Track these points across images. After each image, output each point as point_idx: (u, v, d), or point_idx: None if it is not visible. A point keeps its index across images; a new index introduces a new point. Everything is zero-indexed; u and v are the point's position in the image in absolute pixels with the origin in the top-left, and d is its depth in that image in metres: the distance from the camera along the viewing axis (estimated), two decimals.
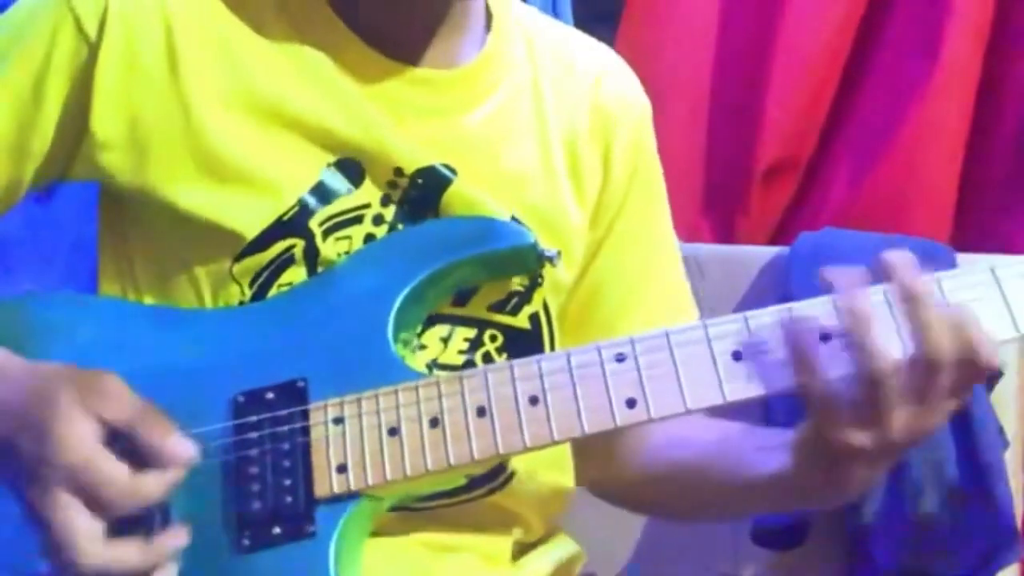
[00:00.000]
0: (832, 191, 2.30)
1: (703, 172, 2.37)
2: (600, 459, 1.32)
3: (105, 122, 1.16)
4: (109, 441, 0.99)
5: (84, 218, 1.30)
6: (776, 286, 1.96)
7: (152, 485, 0.99)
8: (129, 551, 0.98)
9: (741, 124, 2.34)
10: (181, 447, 1.01)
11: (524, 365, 1.04)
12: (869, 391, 0.98)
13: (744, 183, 2.34)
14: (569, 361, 1.04)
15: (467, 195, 1.19)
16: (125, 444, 0.99)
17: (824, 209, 2.29)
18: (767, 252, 2.04)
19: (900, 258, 0.99)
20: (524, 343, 1.21)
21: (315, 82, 1.17)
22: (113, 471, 0.98)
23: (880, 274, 1.00)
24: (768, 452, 1.13)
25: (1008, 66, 2.20)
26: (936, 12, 2.19)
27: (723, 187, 2.36)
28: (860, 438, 1.00)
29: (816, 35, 2.29)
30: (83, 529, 0.96)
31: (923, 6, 2.22)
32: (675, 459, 1.27)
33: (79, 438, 0.98)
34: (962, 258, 1.90)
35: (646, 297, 1.32)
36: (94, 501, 0.97)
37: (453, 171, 1.19)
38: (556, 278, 1.24)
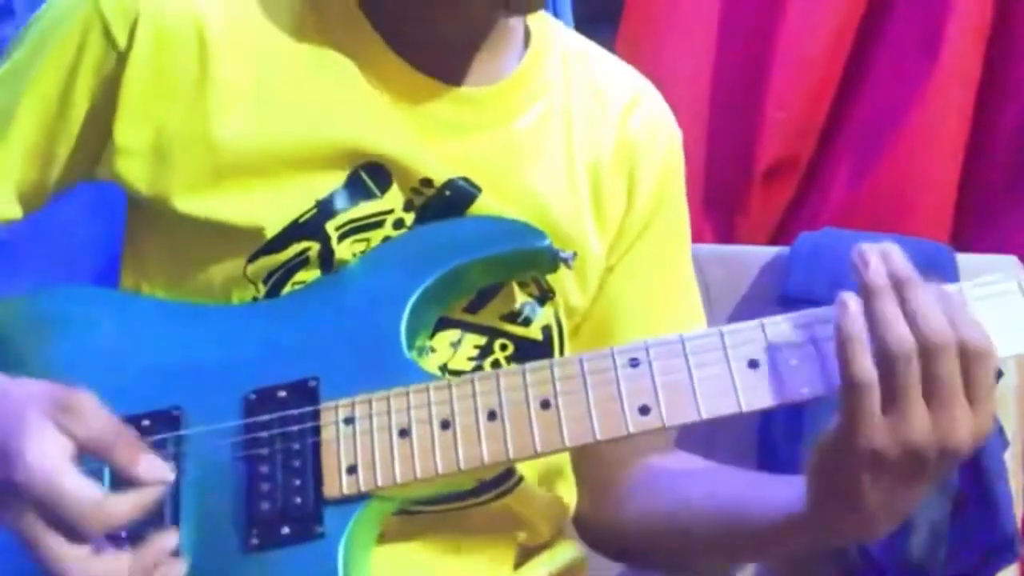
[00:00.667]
0: (832, 191, 2.30)
1: (703, 172, 2.36)
2: (592, 492, 1.31)
3: (128, 130, 1.16)
4: (82, 460, 0.97)
5: (90, 218, 1.30)
6: (776, 286, 1.96)
7: (121, 507, 0.96)
8: (119, 564, 0.96)
9: (741, 124, 2.33)
10: (153, 469, 0.98)
11: (536, 369, 1.04)
12: (886, 376, 0.96)
13: (744, 183, 2.34)
14: (582, 366, 1.03)
15: (490, 212, 1.19)
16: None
17: (824, 209, 2.29)
18: (767, 252, 2.03)
19: (879, 250, 0.98)
20: (535, 354, 1.20)
21: (348, 94, 1.17)
22: (79, 492, 0.95)
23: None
24: (773, 489, 1.11)
25: (1008, 66, 2.20)
26: (936, 12, 2.19)
27: (723, 187, 2.36)
28: (883, 439, 0.97)
29: (816, 35, 2.29)
30: (61, 550, 0.95)
31: (923, 6, 2.22)
32: (671, 500, 1.24)
33: (46, 457, 0.95)
34: (962, 258, 1.90)
35: (659, 326, 1.28)
36: (61, 523, 0.95)
37: (478, 188, 1.19)
38: (568, 298, 1.24)
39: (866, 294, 0.97)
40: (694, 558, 1.27)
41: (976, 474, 1.81)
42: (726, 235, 2.35)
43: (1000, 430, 1.84)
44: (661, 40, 2.38)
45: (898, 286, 0.97)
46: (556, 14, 2.29)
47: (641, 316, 1.30)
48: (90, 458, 0.98)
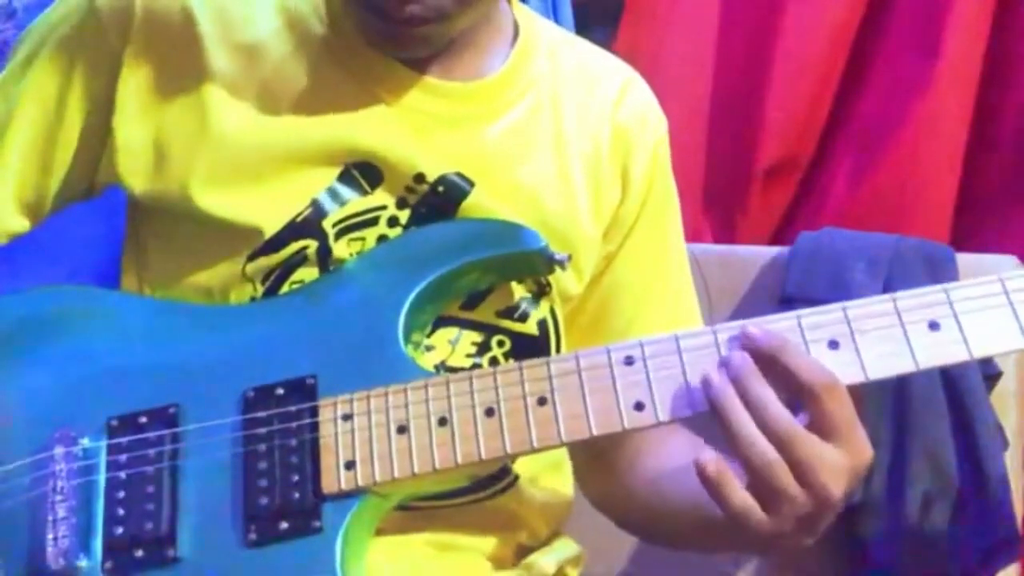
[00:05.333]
0: (832, 191, 2.31)
1: (703, 172, 2.37)
2: (603, 476, 1.32)
3: (128, 127, 1.17)
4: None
5: (94, 215, 1.30)
6: (776, 286, 1.96)
7: None
8: None
9: (741, 124, 2.34)
10: None
11: (533, 366, 1.04)
12: (758, 485, 0.99)
13: (744, 183, 2.34)
14: (578, 363, 1.04)
15: (483, 207, 1.19)
16: None
17: (824, 209, 2.30)
18: (767, 252, 2.04)
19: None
20: (532, 349, 1.21)
21: (339, 91, 1.18)
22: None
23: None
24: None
25: (1008, 66, 2.21)
26: (936, 12, 2.20)
27: (723, 187, 2.37)
28: (770, 527, 1.00)
29: (816, 35, 2.30)
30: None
31: (923, 6, 2.22)
32: (662, 489, 1.26)
33: None
34: (962, 258, 1.90)
35: (656, 310, 1.32)
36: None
37: (470, 183, 1.19)
38: (564, 288, 1.25)
39: (720, 414, 0.99)
40: (680, 541, 1.29)
41: (976, 474, 1.81)
42: (726, 235, 2.36)
43: (1000, 430, 1.84)
44: (661, 40, 2.39)
45: (739, 388, 0.99)
46: (556, 14, 2.30)
47: (640, 303, 1.32)
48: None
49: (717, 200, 2.37)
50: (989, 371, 1.86)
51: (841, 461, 0.98)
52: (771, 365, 0.99)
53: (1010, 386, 1.88)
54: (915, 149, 2.22)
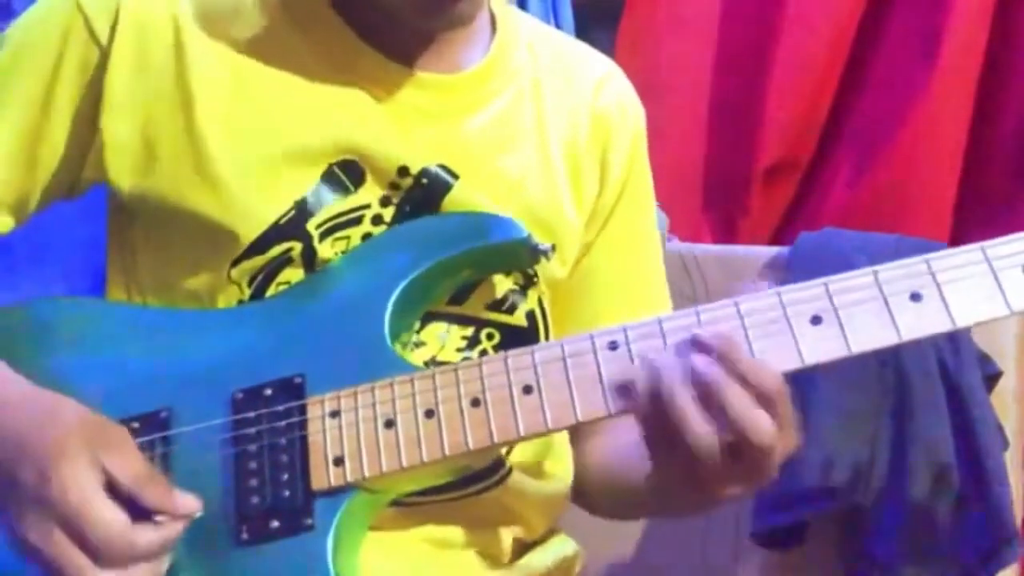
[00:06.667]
0: (832, 191, 2.31)
1: (703, 172, 2.38)
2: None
3: (115, 123, 1.17)
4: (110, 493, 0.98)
5: (85, 218, 1.30)
6: (776, 286, 1.96)
7: (148, 537, 0.98)
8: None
9: (741, 124, 2.35)
10: (183, 502, 1.00)
11: (518, 355, 1.04)
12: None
13: (744, 183, 2.35)
14: (563, 350, 1.04)
15: (467, 199, 1.19)
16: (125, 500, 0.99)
17: (824, 209, 2.30)
18: (767, 252, 2.04)
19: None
20: (521, 341, 1.20)
21: (319, 86, 1.18)
22: (109, 517, 0.96)
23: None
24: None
25: (1008, 66, 2.21)
26: (936, 12, 2.20)
27: (723, 187, 2.37)
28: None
29: (816, 35, 2.30)
30: (82, 566, 0.96)
31: (923, 6, 2.23)
32: (605, 460, 1.28)
33: (81, 480, 0.97)
34: None
35: (631, 295, 1.33)
36: (86, 545, 0.96)
37: (454, 175, 1.19)
38: (550, 274, 1.25)
39: (667, 393, 0.98)
40: (622, 510, 1.33)
41: (976, 474, 1.81)
42: (726, 235, 2.36)
43: (1000, 430, 1.84)
44: (661, 40, 2.39)
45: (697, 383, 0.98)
46: (556, 14, 2.30)
47: (615, 289, 1.32)
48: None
49: (717, 200, 2.38)
50: (989, 371, 1.86)
51: (785, 453, 1.00)
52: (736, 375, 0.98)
53: (1010, 386, 1.88)
54: (915, 149, 2.22)
